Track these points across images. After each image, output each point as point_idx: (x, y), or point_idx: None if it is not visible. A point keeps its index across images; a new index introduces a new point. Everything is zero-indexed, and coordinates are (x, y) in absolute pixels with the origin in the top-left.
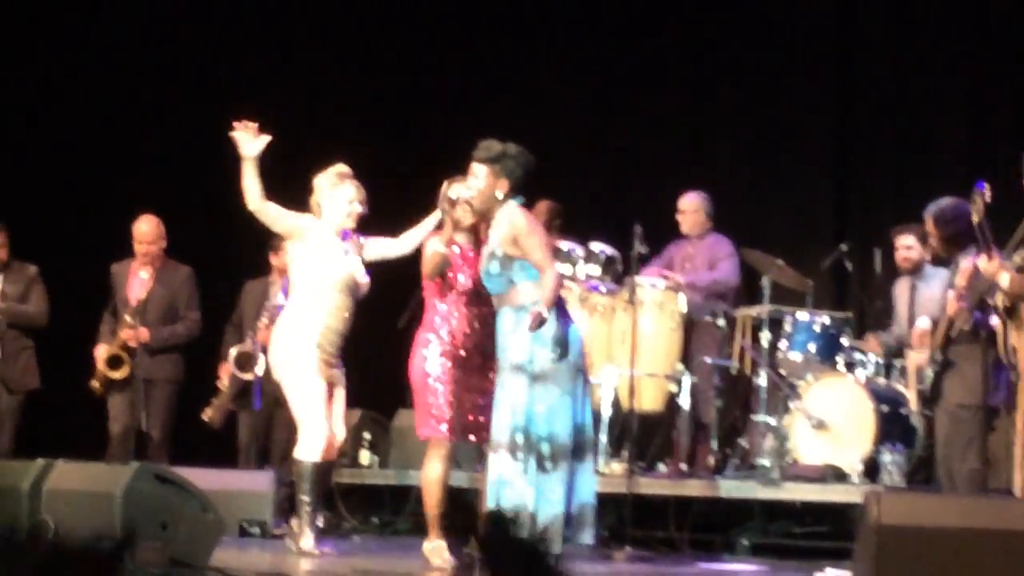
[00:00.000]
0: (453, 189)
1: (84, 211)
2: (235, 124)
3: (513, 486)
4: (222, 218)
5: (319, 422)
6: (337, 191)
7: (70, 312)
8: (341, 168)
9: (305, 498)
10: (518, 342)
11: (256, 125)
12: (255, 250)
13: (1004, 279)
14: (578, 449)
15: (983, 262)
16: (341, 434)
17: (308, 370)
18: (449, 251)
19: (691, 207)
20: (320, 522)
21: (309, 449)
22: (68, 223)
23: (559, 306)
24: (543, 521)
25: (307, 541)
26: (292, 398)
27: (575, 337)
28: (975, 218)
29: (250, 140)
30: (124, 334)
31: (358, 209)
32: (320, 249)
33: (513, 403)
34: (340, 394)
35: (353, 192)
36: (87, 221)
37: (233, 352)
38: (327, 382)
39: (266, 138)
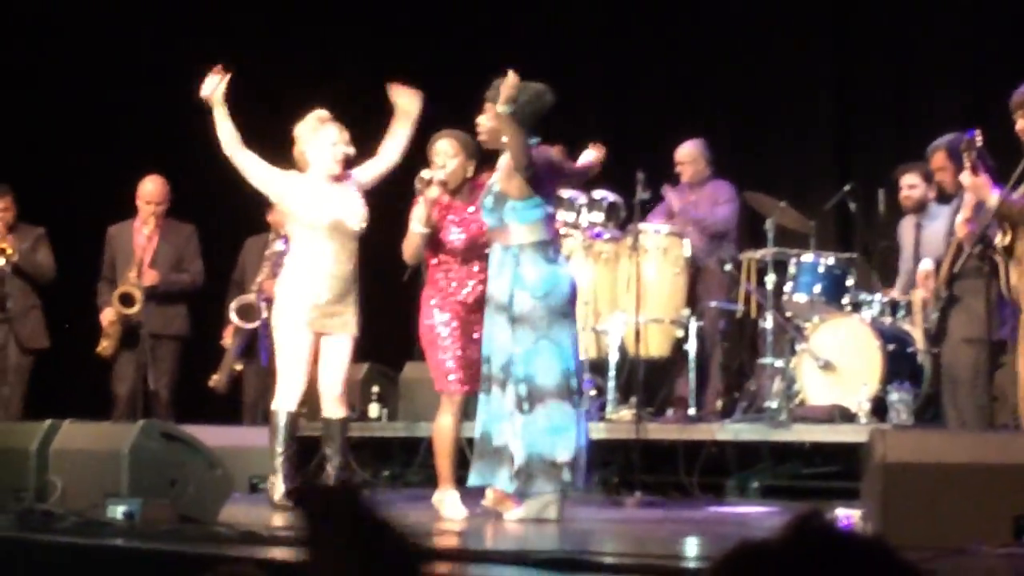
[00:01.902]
0: (425, 171)
1: (84, 173)
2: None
3: (494, 423)
4: (220, 178)
5: (295, 374)
6: (319, 135)
7: (74, 274)
8: (320, 113)
9: (277, 448)
10: (501, 283)
11: (220, 67)
12: (254, 208)
13: (992, 198)
14: (569, 393)
15: (966, 177)
16: (332, 385)
17: (296, 322)
18: (424, 231)
19: (688, 157)
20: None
21: (283, 399)
22: (69, 186)
23: (550, 249)
24: (519, 461)
25: (278, 494)
26: (277, 348)
27: (559, 282)
28: (966, 163)
29: (211, 82)
30: (131, 276)
31: (343, 150)
32: (304, 199)
33: (496, 341)
34: (340, 341)
35: (335, 134)
36: (87, 183)
37: (234, 304)
38: (317, 332)
39: (225, 76)
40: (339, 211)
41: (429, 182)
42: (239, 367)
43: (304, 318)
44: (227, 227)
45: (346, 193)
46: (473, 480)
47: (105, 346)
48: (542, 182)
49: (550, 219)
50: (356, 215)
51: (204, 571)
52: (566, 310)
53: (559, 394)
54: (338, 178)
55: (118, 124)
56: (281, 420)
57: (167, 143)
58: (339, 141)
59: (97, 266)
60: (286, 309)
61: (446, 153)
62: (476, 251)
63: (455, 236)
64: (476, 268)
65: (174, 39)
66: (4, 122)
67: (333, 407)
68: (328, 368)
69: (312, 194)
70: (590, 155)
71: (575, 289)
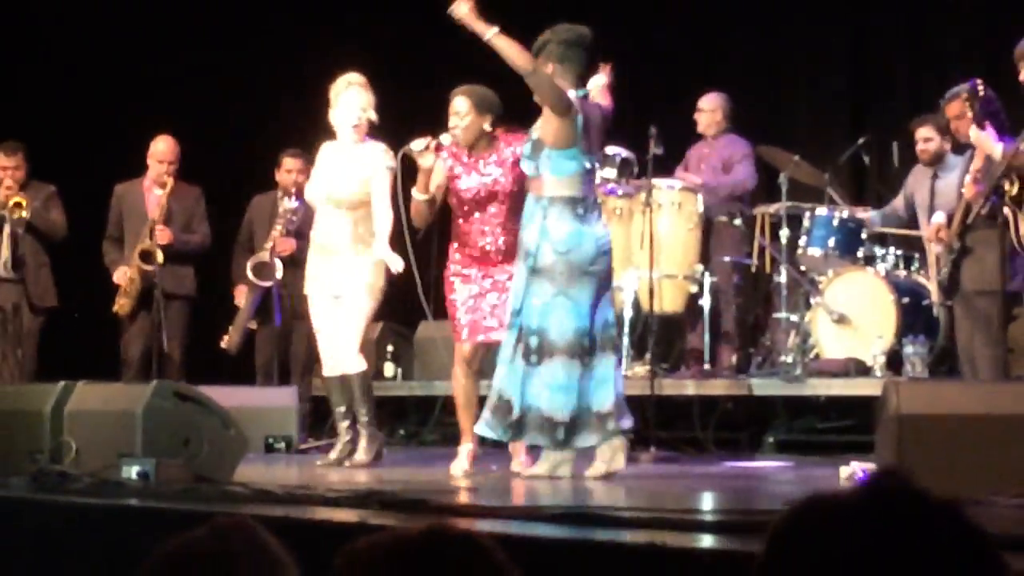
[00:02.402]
0: (415, 142)
1: (88, 132)
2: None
3: (502, 368)
4: (225, 139)
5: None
6: (342, 98)
7: (83, 233)
8: (349, 76)
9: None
10: (530, 233)
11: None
12: (260, 168)
13: (996, 150)
14: (580, 352)
15: (975, 133)
16: (341, 346)
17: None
18: (424, 198)
19: (709, 106)
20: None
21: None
22: (74, 144)
23: (580, 206)
24: (517, 411)
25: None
26: (367, 315)
27: (584, 241)
28: (969, 113)
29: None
30: (149, 234)
31: (360, 115)
32: (319, 170)
33: (516, 289)
34: (344, 305)
35: (355, 98)
36: (97, 142)
37: (251, 262)
38: (321, 297)
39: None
40: (333, 181)
41: (424, 150)
42: (253, 326)
43: (307, 288)
44: (228, 188)
45: (358, 163)
46: (477, 429)
47: (123, 304)
48: (585, 133)
49: (587, 175)
50: (344, 186)
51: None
52: (589, 269)
53: (568, 352)
54: (367, 142)
55: (122, 82)
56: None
57: (172, 103)
58: (359, 105)
59: (102, 224)
60: (371, 280)
61: (458, 112)
62: (492, 201)
63: (463, 186)
64: (499, 219)
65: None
66: (13, 80)
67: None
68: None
69: (320, 168)
70: (599, 80)
71: (603, 250)
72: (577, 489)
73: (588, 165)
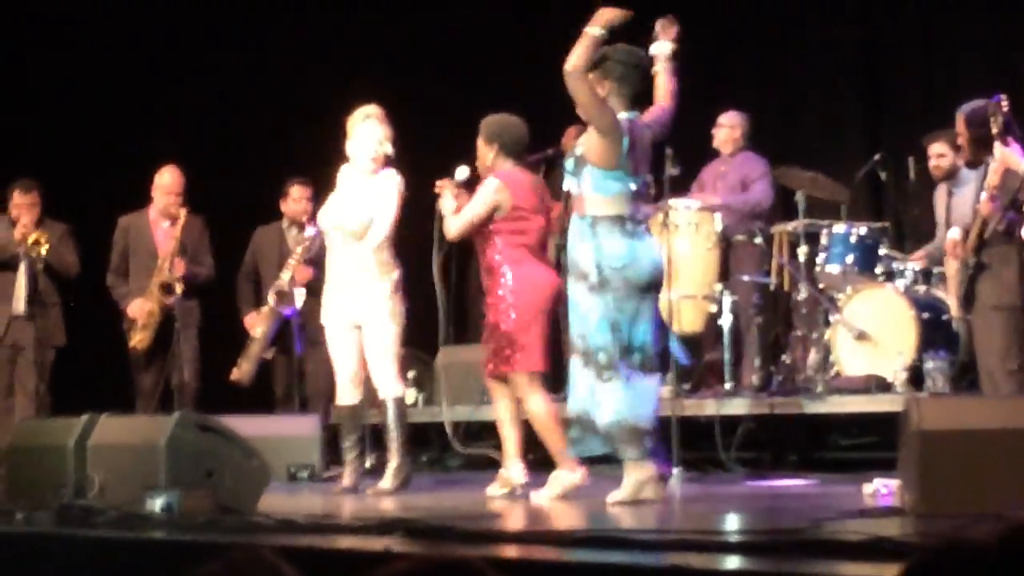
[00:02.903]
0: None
1: (97, 168)
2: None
3: (577, 390)
4: (226, 170)
5: (337, 369)
6: (358, 130)
7: (93, 269)
8: (368, 108)
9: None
10: (583, 253)
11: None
12: (262, 199)
13: (1022, 166)
14: (639, 366)
15: (999, 150)
16: (380, 373)
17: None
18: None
19: (729, 122)
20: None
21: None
22: (83, 180)
23: (627, 223)
24: (602, 428)
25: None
26: (394, 341)
27: (639, 256)
28: (994, 129)
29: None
30: (166, 266)
31: (376, 148)
32: (332, 200)
33: (578, 310)
34: (369, 333)
35: (373, 130)
36: (100, 177)
37: (273, 290)
38: (339, 326)
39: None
40: (343, 215)
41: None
42: (269, 356)
43: (325, 318)
44: (229, 218)
45: (371, 193)
46: (571, 452)
47: (142, 338)
48: (631, 155)
49: (632, 196)
50: (356, 218)
51: None
52: (644, 285)
53: (630, 364)
54: (381, 174)
55: (123, 117)
56: (339, 413)
57: (173, 134)
58: (377, 138)
59: (104, 258)
60: (391, 306)
61: (477, 142)
62: (476, 234)
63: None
64: (478, 250)
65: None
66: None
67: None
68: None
69: (334, 198)
70: (664, 47)
71: (657, 266)
72: (599, 513)
73: (633, 187)
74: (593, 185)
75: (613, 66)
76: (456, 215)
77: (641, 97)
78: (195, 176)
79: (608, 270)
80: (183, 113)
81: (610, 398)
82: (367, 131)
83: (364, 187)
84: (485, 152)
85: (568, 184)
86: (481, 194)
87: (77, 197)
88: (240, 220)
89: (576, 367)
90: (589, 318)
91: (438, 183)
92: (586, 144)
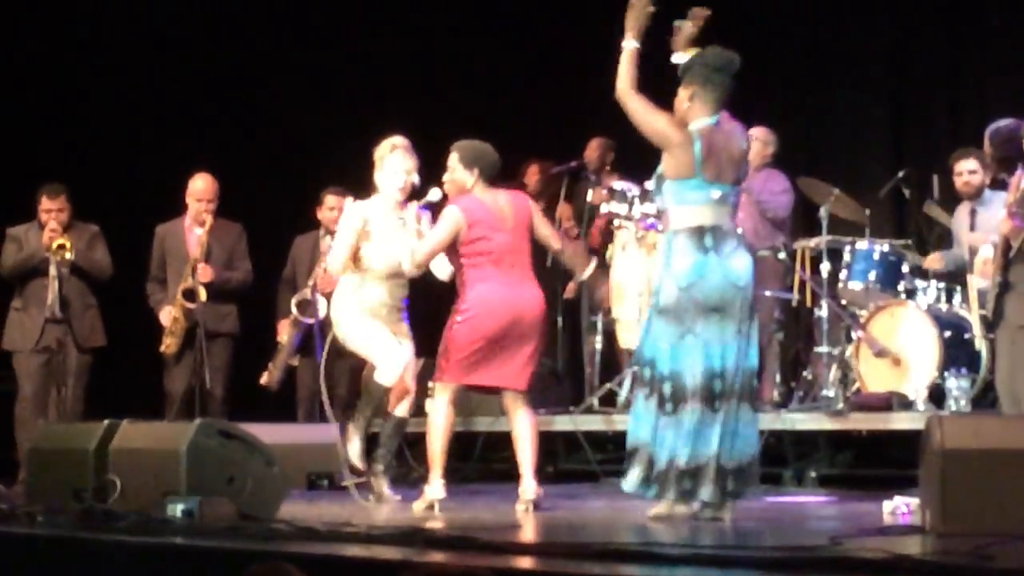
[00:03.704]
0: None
1: (133, 173)
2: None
3: (637, 422)
4: (267, 177)
5: (388, 347)
6: (386, 162)
7: (126, 272)
8: (395, 139)
9: (366, 411)
10: (657, 270)
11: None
12: (301, 206)
13: None
14: (709, 397)
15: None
16: (411, 386)
17: (359, 321)
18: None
19: (758, 135)
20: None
21: (384, 374)
22: (119, 185)
23: (708, 236)
24: (659, 465)
25: (353, 448)
26: (357, 347)
27: (708, 273)
28: None
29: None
30: (191, 272)
31: (404, 179)
32: (373, 235)
33: (644, 336)
34: (407, 346)
35: (400, 162)
36: (137, 182)
37: (296, 299)
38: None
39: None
40: (400, 251)
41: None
42: (295, 362)
43: (367, 319)
44: (271, 226)
45: (405, 231)
46: (625, 487)
47: (169, 344)
48: (707, 161)
49: (716, 204)
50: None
51: None
52: (717, 304)
53: (700, 396)
54: (412, 210)
55: (163, 123)
56: (377, 390)
57: (212, 141)
58: (402, 169)
59: (146, 265)
60: (347, 322)
61: (449, 167)
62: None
63: None
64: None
65: (220, 39)
66: (54, 122)
67: (401, 406)
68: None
69: (379, 231)
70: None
71: (737, 283)
72: (621, 525)
73: (717, 194)
74: (673, 198)
75: (698, 70)
76: (417, 246)
77: (727, 103)
78: (237, 183)
79: (675, 290)
80: (224, 119)
81: (670, 433)
82: (396, 162)
83: (396, 225)
84: (464, 176)
85: (657, 203)
86: (439, 224)
87: (114, 202)
88: (282, 226)
89: (639, 398)
90: (656, 344)
91: (408, 207)
92: (664, 159)
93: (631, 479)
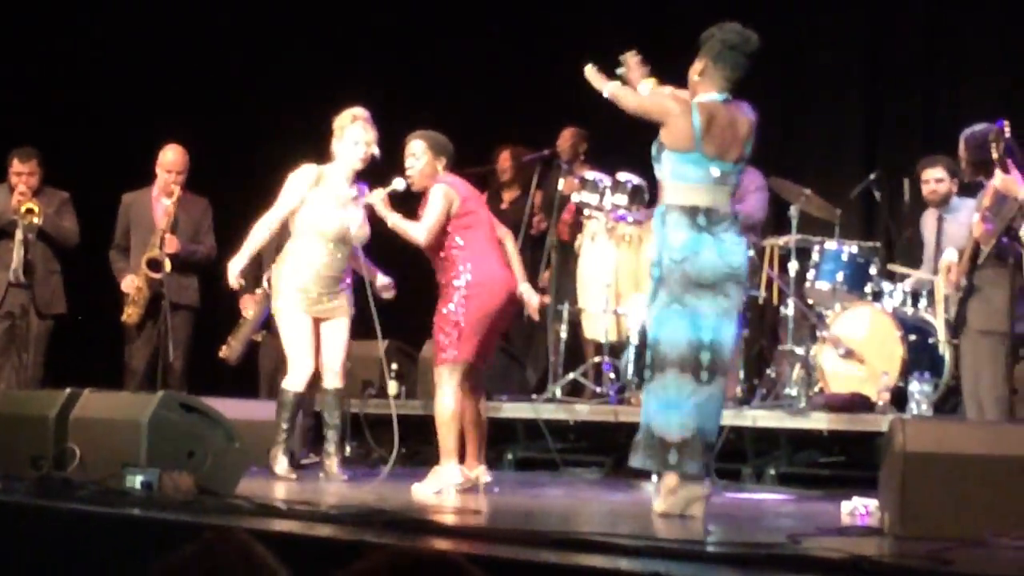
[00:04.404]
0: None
1: (105, 140)
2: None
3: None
4: (236, 152)
5: (301, 356)
6: (347, 132)
7: (93, 240)
8: (355, 110)
9: (282, 424)
10: (655, 244)
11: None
12: (268, 182)
13: (1022, 194)
14: (694, 366)
15: (999, 178)
16: (337, 363)
17: (293, 309)
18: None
19: None
20: (345, 451)
21: (291, 380)
22: (90, 152)
23: (701, 215)
24: (638, 433)
25: (280, 467)
26: (282, 333)
27: (702, 250)
28: (994, 154)
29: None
30: (156, 243)
31: (364, 151)
32: (319, 200)
33: (650, 308)
34: (340, 324)
35: (360, 133)
36: (107, 150)
37: (265, 276)
38: (315, 317)
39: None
40: (348, 219)
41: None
42: (259, 338)
43: (301, 306)
44: (233, 200)
45: (356, 203)
46: (631, 462)
47: (130, 313)
48: (707, 134)
49: (715, 184)
50: (361, 228)
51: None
52: (708, 281)
53: (680, 365)
54: (360, 186)
55: (135, 91)
56: (287, 398)
57: (183, 113)
58: (362, 140)
59: (111, 232)
60: (284, 298)
61: (414, 154)
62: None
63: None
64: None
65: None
66: (26, 87)
67: (333, 379)
68: (329, 348)
69: (326, 197)
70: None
71: (730, 265)
72: (579, 514)
73: (717, 172)
74: (672, 171)
75: (713, 44)
76: (419, 224)
77: (738, 82)
78: (203, 156)
79: (670, 262)
80: (196, 92)
81: (646, 399)
82: (356, 133)
83: (348, 196)
84: (432, 164)
85: (656, 171)
86: (434, 200)
87: (84, 169)
88: (245, 201)
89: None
90: (652, 312)
91: (372, 193)
92: (661, 132)
93: (634, 452)
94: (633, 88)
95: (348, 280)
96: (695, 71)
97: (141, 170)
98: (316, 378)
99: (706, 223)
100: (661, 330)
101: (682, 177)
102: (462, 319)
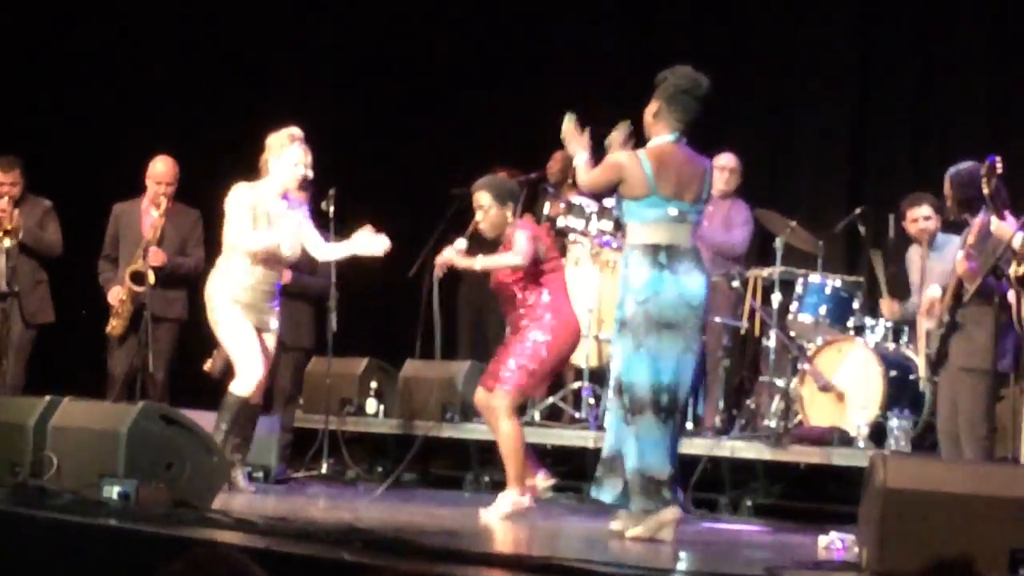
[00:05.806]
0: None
1: (96, 149)
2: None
3: (611, 431)
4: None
5: (250, 361)
6: (285, 152)
7: (79, 250)
8: (293, 130)
9: (223, 426)
10: (620, 285)
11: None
12: None
13: (1018, 239)
14: (658, 408)
15: (995, 224)
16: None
17: (236, 316)
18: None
19: (729, 164)
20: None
21: (240, 384)
22: (80, 161)
23: (663, 253)
24: (627, 473)
25: (239, 479)
26: (223, 340)
27: (663, 288)
28: (985, 190)
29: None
30: (141, 255)
31: (302, 172)
32: (258, 218)
33: (614, 347)
34: (268, 339)
35: (299, 155)
36: (98, 160)
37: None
38: (256, 326)
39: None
40: (279, 238)
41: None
42: None
43: (241, 313)
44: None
45: (291, 220)
46: (592, 493)
47: (115, 325)
48: (659, 177)
49: (673, 221)
50: (292, 248)
51: None
52: (670, 320)
53: (651, 407)
54: (291, 201)
55: (128, 102)
56: (231, 400)
57: (176, 124)
58: (301, 162)
59: (99, 242)
60: (223, 309)
61: (482, 207)
62: (501, 293)
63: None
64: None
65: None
66: (15, 96)
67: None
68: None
69: (260, 218)
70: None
71: (690, 302)
72: (557, 541)
73: (674, 212)
74: (631, 214)
75: (667, 86)
76: (509, 253)
77: (690, 124)
78: (199, 169)
79: (633, 304)
80: (188, 103)
81: (632, 443)
82: (292, 155)
83: (286, 216)
84: (501, 213)
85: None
86: (521, 241)
87: (74, 178)
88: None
89: (612, 407)
90: (621, 355)
91: (442, 259)
92: (619, 187)
93: (607, 489)
94: (618, 147)
95: (277, 301)
96: (650, 112)
97: (128, 178)
98: (270, 392)
99: (667, 260)
100: (631, 375)
101: (641, 217)
102: (545, 354)
